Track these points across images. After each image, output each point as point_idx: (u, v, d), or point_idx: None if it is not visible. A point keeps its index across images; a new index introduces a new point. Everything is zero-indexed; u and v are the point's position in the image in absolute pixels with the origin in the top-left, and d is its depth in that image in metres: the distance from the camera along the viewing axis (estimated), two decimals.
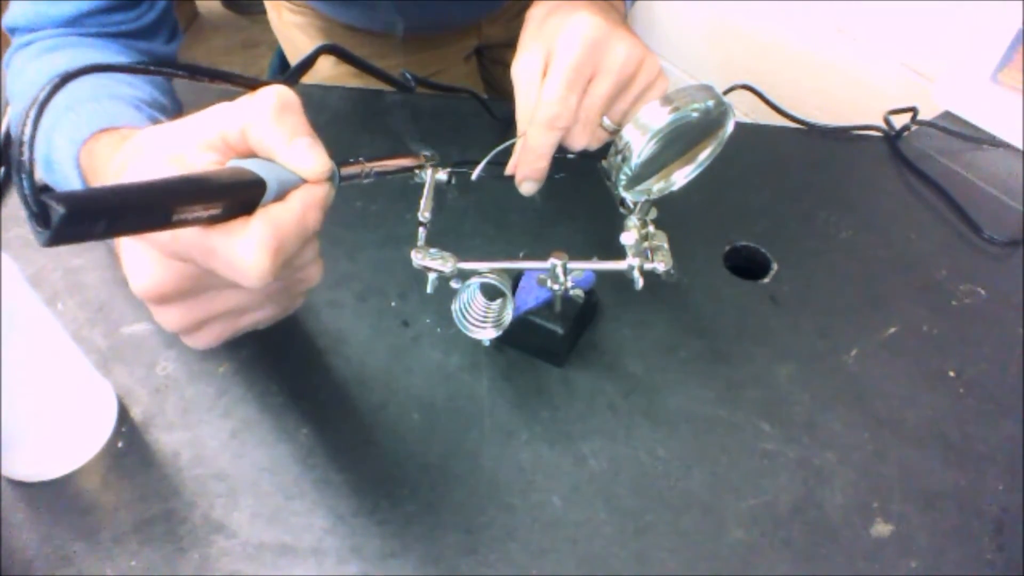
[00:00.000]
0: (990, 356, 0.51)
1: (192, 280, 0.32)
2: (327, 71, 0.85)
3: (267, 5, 0.90)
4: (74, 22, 0.54)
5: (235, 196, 0.30)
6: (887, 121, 0.71)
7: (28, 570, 0.40)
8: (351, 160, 0.39)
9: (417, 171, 0.47)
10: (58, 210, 0.22)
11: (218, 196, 0.28)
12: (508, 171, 0.47)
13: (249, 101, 0.32)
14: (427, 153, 0.48)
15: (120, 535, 0.42)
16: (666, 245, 0.44)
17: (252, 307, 0.36)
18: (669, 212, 0.47)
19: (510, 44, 0.90)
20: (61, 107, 0.48)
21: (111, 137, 0.46)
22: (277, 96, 0.32)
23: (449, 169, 0.48)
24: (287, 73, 0.44)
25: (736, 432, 0.47)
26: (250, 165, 0.31)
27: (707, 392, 0.49)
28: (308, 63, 0.46)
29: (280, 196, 0.32)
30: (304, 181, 0.33)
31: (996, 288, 0.56)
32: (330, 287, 0.55)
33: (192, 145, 0.32)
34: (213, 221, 0.29)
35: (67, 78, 0.41)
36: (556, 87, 0.43)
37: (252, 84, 0.38)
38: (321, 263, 0.37)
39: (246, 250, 0.29)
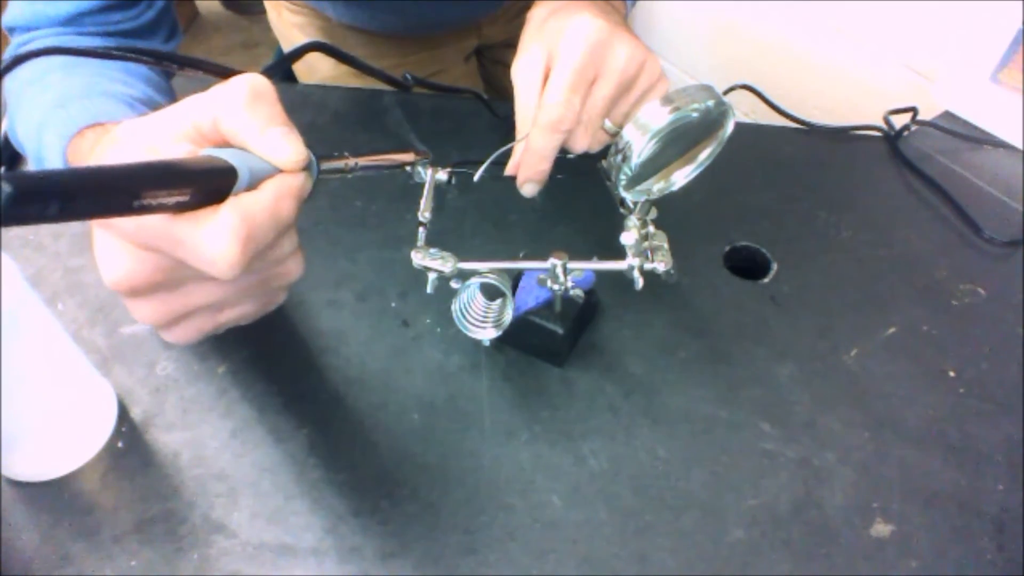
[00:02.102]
0: (990, 356, 0.51)
1: (165, 273, 0.31)
2: (327, 71, 0.85)
3: (267, 5, 0.90)
4: (72, 21, 0.54)
5: (202, 183, 0.29)
6: (887, 121, 0.71)
7: (28, 570, 0.40)
8: (335, 154, 0.38)
9: (409, 168, 0.47)
10: (5, 190, 0.21)
11: (183, 182, 0.28)
12: (508, 172, 0.47)
13: (221, 90, 0.31)
14: (420, 150, 0.47)
15: (120, 535, 0.42)
16: (666, 245, 0.44)
17: (231, 302, 0.35)
18: (669, 212, 0.47)
19: (510, 44, 0.90)
20: (52, 104, 0.48)
21: (95, 132, 0.46)
22: (249, 85, 0.31)
23: (449, 169, 0.48)
24: (269, 65, 0.43)
25: (736, 432, 0.47)
26: (224, 154, 0.30)
27: (707, 392, 0.49)
28: (294, 57, 0.46)
29: (253, 186, 0.31)
30: (279, 171, 0.32)
31: (996, 288, 0.56)
32: (330, 287, 0.55)
33: (167, 136, 0.31)
34: (181, 209, 0.28)
35: (18, 60, 0.41)
36: (560, 89, 0.42)
37: (225, 73, 0.37)
38: (301, 257, 0.36)
39: (214, 239, 0.29)
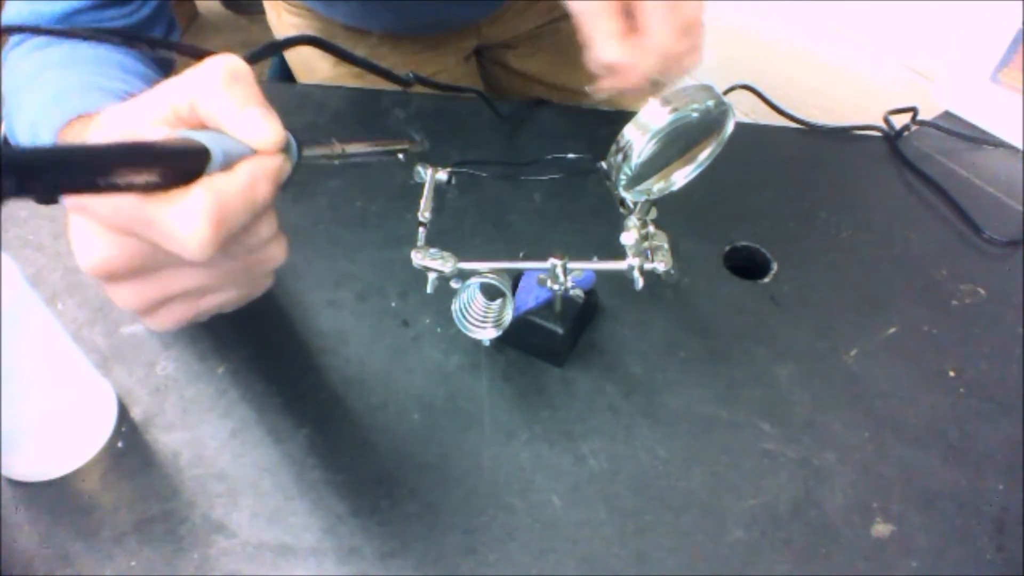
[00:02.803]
0: (990, 356, 0.51)
1: (142, 257, 0.31)
2: (327, 71, 0.85)
3: (266, 5, 0.90)
4: (66, 19, 0.54)
5: (172, 163, 0.28)
6: (887, 121, 0.71)
7: (28, 570, 0.40)
8: (321, 140, 0.38)
9: (403, 157, 0.46)
10: None
11: (150, 161, 0.27)
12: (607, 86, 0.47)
13: (196, 72, 0.31)
14: (416, 138, 0.47)
15: (120, 535, 0.42)
16: (666, 245, 0.44)
17: (213, 288, 0.34)
18: (669, 212, 0.47)
19: (509, 45, 0.90)
20: (48, 100, 0.48)
21: (82, 122, 0.46)
22: (224, 66, 0.31)
23: (449, 169, 0.48)
24: (254, 51, 0.42)
25: (736, 432, 0.47)
26: (198, 136, 0.30)
27: (707, 392, 0.49)
28: (283, 46, 0.45)
29: (229, 168, 0.31)
30: (256, 153, 0.31)
31: (996, 288, 0.56)
32: (330, 287, 0.55)
33: (144, 120, 0.31)
34: (151, 190, 0.28)
35: None
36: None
37: (199, 54, 0.37)
38: (284, 242, 0.35)
39: (184, 219, 0.28)
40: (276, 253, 0.35)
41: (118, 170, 0.26)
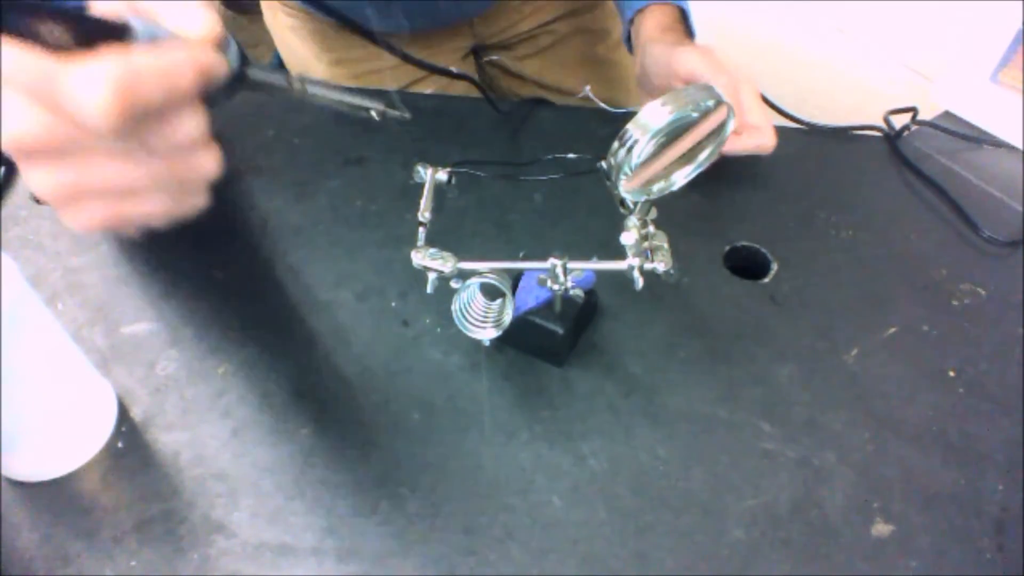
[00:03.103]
0: (990, 356, 0.51)
1: (55, 132, 0.30)
2: (324, 71, 0.85)
3: (263, 6, 0.90)
4: None
5: (86, 26, 0.28)
6: (887, 121, 0.71)
7: (28, 570, 0.40)
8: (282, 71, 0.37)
9: (376, 115, 0.45)
10: None
11: (60, 18, 0.27)
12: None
13: None
14: (397, 104, 0.46)
15: (120, 535, 0.42)
16: (666, 245, 0.44)
17: (136, 189, 0.33)
18: (669, 212, 0.47)
19: (505, 46, 0.90)
20: None
21: None
22: None
23: (449, 169, 0.48)
24: None
25: (736, 432, 0.47)
26: (128, 18, 0.29)
27: (707, 392, 0.49)
28: None
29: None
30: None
31: (996, 288, 0.56)
32: (330, 287, 0.55)
33: None
34: (63, 50, 0.27)
35: None
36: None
37: None
38: (216, 153, 0.34)
39: (89, 79, 0.27)
40: (206, 162, 0.34)
41: (23, 14, 0.26)
